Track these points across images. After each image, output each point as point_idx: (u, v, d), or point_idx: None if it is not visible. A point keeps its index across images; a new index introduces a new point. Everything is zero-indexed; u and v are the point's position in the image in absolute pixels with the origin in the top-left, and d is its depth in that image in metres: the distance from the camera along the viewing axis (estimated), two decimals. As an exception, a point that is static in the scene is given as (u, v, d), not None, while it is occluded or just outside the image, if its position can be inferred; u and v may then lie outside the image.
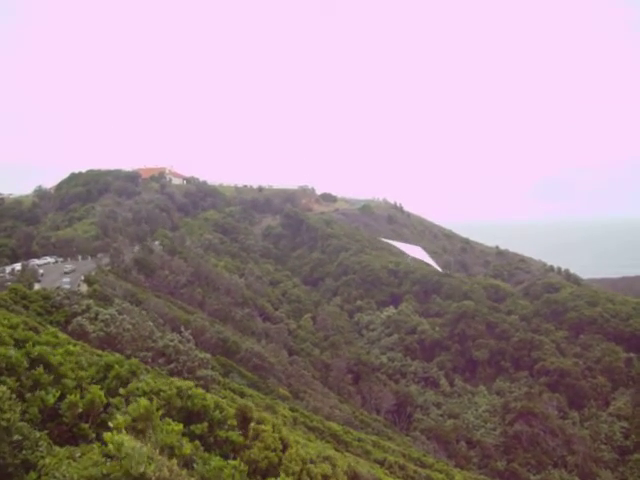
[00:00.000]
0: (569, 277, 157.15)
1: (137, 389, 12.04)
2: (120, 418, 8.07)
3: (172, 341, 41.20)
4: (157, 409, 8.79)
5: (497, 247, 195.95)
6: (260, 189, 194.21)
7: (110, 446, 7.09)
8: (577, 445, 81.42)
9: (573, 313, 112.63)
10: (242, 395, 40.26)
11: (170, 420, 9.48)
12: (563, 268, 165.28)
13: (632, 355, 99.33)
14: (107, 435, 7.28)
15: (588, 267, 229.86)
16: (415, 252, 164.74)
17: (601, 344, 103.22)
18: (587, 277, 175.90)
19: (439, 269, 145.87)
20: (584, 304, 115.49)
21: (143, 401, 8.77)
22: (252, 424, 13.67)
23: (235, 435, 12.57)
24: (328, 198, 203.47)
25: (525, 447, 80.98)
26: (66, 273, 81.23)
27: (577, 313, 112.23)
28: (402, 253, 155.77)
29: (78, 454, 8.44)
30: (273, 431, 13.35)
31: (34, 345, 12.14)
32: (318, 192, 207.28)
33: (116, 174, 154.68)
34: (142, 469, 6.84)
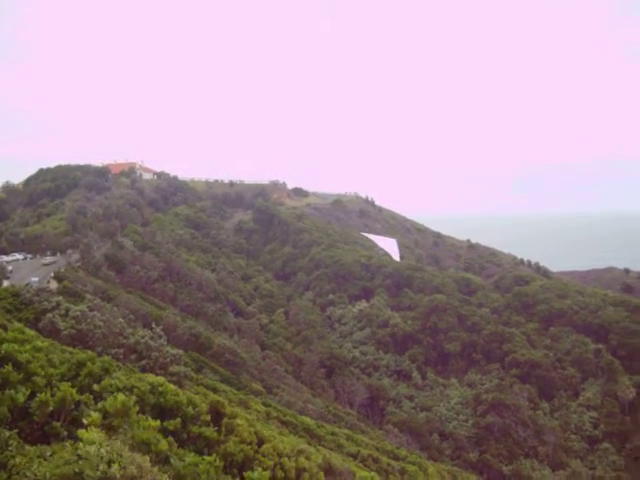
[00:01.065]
0: (539, 270, 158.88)
1: (110, 386, 11.94)
2: (94, 415, 7.98)
3: (143, 337, 40.87)
4: (133, 405, 8.72)
5: (468, 241, 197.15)
6: (231, 184, 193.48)
7: (80, 444, 7.00)
8: (548, 435, 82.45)
9: (543, 305, 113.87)
10: (215, 391, 40.08)
11: (146, 416, 9.40)
12: (533, 261, 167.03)
13: (601, 346, 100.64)
14: (82, 432, 7.19)
15: (557, 259, 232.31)
16: (389, 245, 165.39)
17: (571, 336, 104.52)
18: (557, 270, 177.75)
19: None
20: (554, 296, 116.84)
21: (120, 396, 8.69)
22: (225, 419, 13.61)
23: (209, 431, 12.51)
24: (300, 193, 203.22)
25: (497, 438, 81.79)
26: (45, 265, 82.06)
27: (547, 305, 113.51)
28: (374, 247, 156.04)
29: (49, 453, 8.32)
30: (248, 425, 13.31)
31: (1, 343, 11.96)
32: (290, 187, 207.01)
33: (85, 169, 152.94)
34: (102, 469, 6.75)
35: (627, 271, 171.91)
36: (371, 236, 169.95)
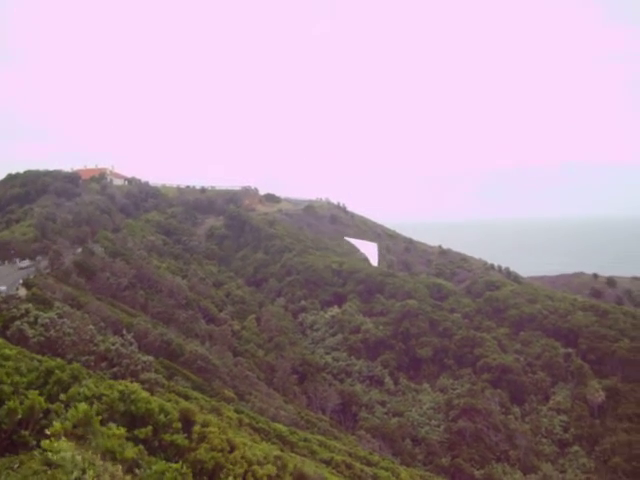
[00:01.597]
0: (509, 275, 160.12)
1: (79, 394, 11.79)
2: (57, 424, 7.87)
3: (114, 344, 40.49)
4: (98, 413, 8.61)
5: (440, 246, 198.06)
6: (203, 190, 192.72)
7: (50, 454, 6.89)
8: (519, 439, 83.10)
9: (514, 310, 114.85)
10: (187, 398, 39.80)
11: (112, 424, 9.29)
12: (503, 266, 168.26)
13: (570, 350, 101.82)
14: (45, 442, 7.09)
15: (527, 265, 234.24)
16: (370, 250, 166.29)
17: (541, 340, 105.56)
18: (527, 275, 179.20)
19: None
20: (524, 301, 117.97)
21: (82, 406, 8.57)
22: (196, 427, 13.51)
23: (180, 438, 12.40)
24: (271, 199, 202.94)
25: (469, 443, 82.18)
26: (22, 269, 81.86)
27: (517, 310, 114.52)
28: (346, 253, 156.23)
29: (17, 464, 8.19)
30: (220, 433, 13.21)
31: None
32: (262, 193, 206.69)
33: (55, 175, 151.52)
34: (75, 476, 6.67)
35: (596, 276, 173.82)
36: (355, 240, 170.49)
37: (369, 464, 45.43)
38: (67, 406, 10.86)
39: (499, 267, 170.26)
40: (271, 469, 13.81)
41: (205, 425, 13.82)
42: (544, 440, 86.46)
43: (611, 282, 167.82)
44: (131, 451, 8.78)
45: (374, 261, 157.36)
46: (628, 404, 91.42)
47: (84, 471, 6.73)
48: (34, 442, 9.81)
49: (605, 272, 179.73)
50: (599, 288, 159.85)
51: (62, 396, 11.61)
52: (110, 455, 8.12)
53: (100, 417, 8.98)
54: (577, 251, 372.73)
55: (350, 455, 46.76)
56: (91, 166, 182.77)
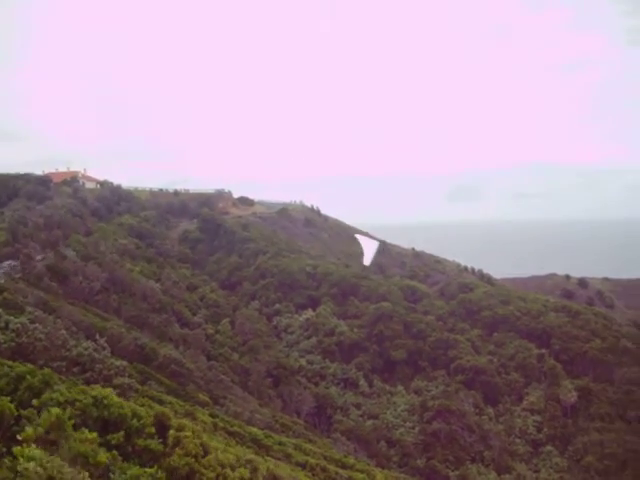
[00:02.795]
0: (482, 277, 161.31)
1: (51, 399, 11.65)
2: (29, 430, 7.77)
3: (87, 349, 40.18)
4: (70, 418, 8.51)
5: (413, 249, 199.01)
6: (176, 193, 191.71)
7: (21, 460, 6.81)
8: (493, 440, 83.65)
9: (487, 312, 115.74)
10: (161, 402, 39.56)
11: (85, 429, 9.19)
12: (477, 268, 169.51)
13: (543, 351, 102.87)
14: (17, 449, 7.00)
15: (500, 267, 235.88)
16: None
17: (514, 341, 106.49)
18: (499, 277, 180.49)
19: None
20: (497, 303, 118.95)
21: (55, 410, 8.48)
22: (171, 431, 13.42)
23: (154, 443, 12.30)
24: (245, 202, 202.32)
25: (443, 444, 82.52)
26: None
27: (491, 312, 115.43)
28: (320, 256, 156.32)
29: (-14, 472, 8.07)
30: (194, 437, 13.13)
31: None
32: (235, 196, 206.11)
33: (26, 178, 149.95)
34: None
35: (568, 277, 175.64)
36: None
37: (344, 467, 45.41)
38: (39, 412, 10.74)
39: (472, 269, 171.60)
40: (244, 472, 13.76)
41: (180, 429, 13.74)
42: (518, 440, 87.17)
43: (583, 283, 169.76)
44: (104, 456, 8.70)
45: (348, 264, 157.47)
46: (600, 404, 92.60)
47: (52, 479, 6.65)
48: (4, 449, 9.68)
49: (576, 273, 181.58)
50: (571, 289, 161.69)
51: (34, 402, 11.47)
52: (83, 460, 8.04)
53: (73, 422, 8.87)
54: (544, 253, 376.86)
55: (325, 458, 46.72)
56: (63, 169, 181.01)
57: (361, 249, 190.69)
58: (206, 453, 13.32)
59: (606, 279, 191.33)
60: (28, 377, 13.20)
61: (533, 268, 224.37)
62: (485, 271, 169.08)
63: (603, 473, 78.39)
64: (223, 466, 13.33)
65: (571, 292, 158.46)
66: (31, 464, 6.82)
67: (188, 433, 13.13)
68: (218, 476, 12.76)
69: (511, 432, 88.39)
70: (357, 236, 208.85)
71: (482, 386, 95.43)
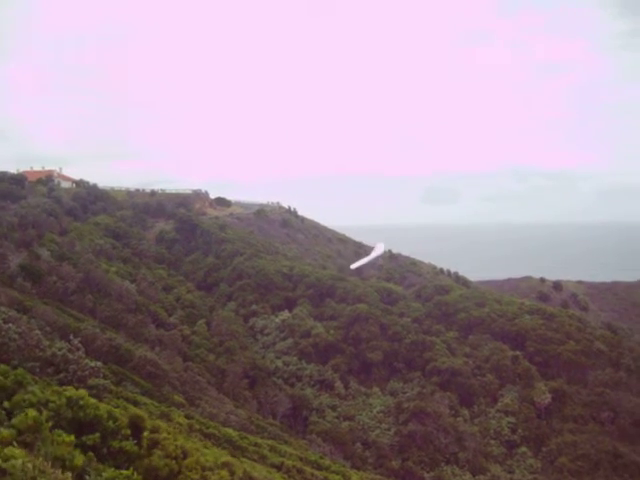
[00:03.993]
0: (458, 279, 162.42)
1: (24, 401, 11.49)
2: (5, 431, 7.65)
3: (61, 350, 39.81)
4: (46, 420, 8.40)
5: (389, 251, 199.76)
6: (152, 193, 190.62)
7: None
8: (468, 441, 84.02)
9: (462, 314, 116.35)
10: (136, 404, 39.32)
11: (61, 432, 9.07)
12: (452, 270, 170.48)
13: (518, 353, 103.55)
14: (-2, 449, 6.88)
15: (475, 269, 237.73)
16: (319, 253, 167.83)
17: (489, 343, 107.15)
18: (475, 279, 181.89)
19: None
20: (473, 305, 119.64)
21: (31, 412, 8.36)
22: (146, 433, 13.31)
23: (129, 445, 12.19)
24: (222, 202, 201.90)
25: (419, 445, 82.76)
26: None
27: (466, 314, 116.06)
28: (297, 257, 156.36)
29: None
30: (172, 439, 13.04)
31: None
32: (212, 197, 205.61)
33: (0, 176, 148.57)
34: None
35: (542, 280, 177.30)
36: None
37: (320, 468, 45.42)
38: (9, 414, 10.58)
39: (448, 271, 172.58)
40: (224, 474, 13.69)
41: (154, 431, 13.63)
42: (492, 442, 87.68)
43: (557, 286, 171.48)
44: (80, 458, 8.57)
45: (325, 265, 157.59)
46: (573, 405, 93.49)
47: (34, 479, 6.56)
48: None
49: (550, 276, 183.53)
50: (546, 292, 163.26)
51: (6, 403, 11.31)
52: (59, 463, 7.93)
53: (49, 423, 8.75)
54: (518, 256, 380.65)
55: (301, 459, 46.71)
56: (38, 168, 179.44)
57: (337, 250, 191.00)
58: (185, 455, 13.22)
59: (580, 282, 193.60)
60: (1, 378, 13.03)
61: (507, 271, 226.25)
62: (460, 273, 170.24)
63: (576, 474, 79.11)
64: (204, 468, 13.26)
65: (546, 295, 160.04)
66: (18, 461, 6.72)
67: (165, 435, 13.03)
68: (200, 478, 12.68)
69: (486, 433, 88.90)
70: (333, 237, 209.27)
71: (457, 388, 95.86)
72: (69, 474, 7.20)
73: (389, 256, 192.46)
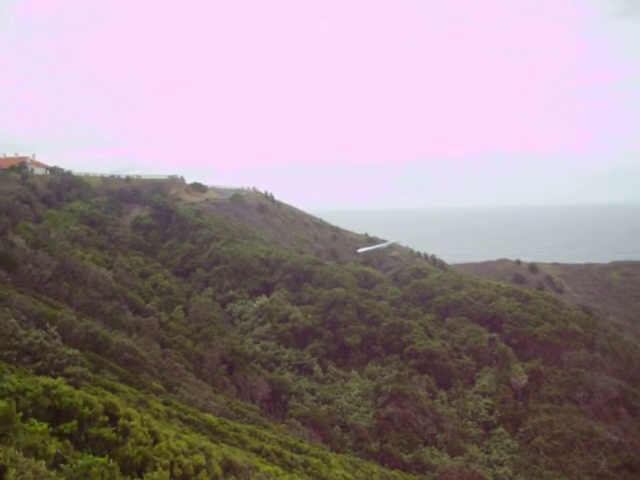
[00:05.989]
0: (435, 262, 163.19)
1: (1, 389, 11.46)
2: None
3: (37, 338, 39.55)
4: (21, 409, 8.39)
5: (366, 235, 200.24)
6: (128, 179, 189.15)
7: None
8: (446, 423, 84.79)
9: (440, 297, 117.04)
10: (114, 391, 39.23)
11: (34, 420, 9.06)
12: (429, 254, 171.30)
13: (495, 335, 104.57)
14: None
15: (452, 252, 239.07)
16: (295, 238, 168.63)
17: (466, 326, 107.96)
18: (452, 262, 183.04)
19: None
20: (450, 288, 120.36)
21: (1, 403, 8.33)
22: (121, 420, 13.32)
23: (107, 432, 12.20)
24: (198, 188, 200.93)
25: (397, 428, 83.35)
26: None
27: (443, 297, 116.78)
28: (274, 242, 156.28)
29: None
30: (142, 425, 13.04)
31: None
32: (188, 182, 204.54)
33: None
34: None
35: (519, 262, 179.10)
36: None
37: (299, 452, 45.64)
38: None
39: (425, 255, 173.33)
40: (198, 458, 13.73)
41: (128, 418, 13.64)
42: (470, 423, 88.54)
43: (533, 268, 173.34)
44: (54, 447, 8.58)
45: (302, 250, 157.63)
46: (549, 386, 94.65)
47: (5, 469, 6.56)
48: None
49: (527, 259, 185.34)
50: (522, 274, 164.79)
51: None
52: (33, 452, 7.93)
53: (22, 413, 8.73)
54: (493, 238, 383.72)
55: (280, 443, 46.87)
56: (11, 154, 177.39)
57: (314, 235, 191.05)
58: (156, 441, 13.24)
59: (555, 264, 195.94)
60: (-23, 367, 12.97)
61: (484, 253, 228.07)
62: (437, 257, 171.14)
63: (552, 453, 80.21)
64: (176, 453, 13.28)
65: (522, 277, 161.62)
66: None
67: (135, 422, 13.03)
68: (172, 463, 12.71)
69: (463, 415, 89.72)
70: (310, 222, 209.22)
71: (435, 370, 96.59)
72: (42, 462, 7.19)
73: (366, 240, 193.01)
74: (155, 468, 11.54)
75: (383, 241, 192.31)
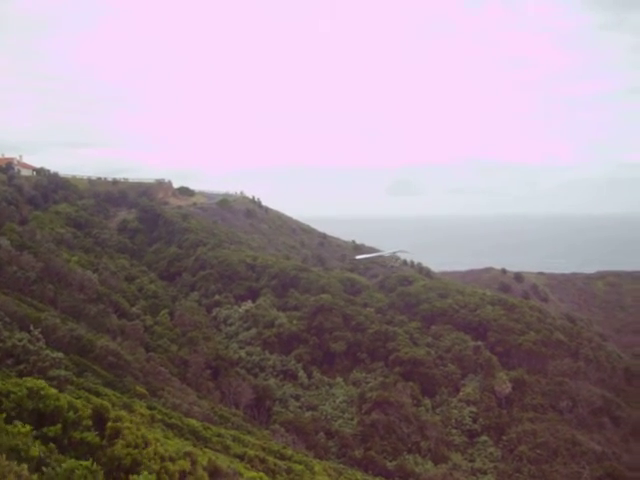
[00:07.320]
0: (421, 270, 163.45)
1: (-17, 391, 11.34)
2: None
3: (21, 341, 39.33)
4: (5, 411, 8.30)
5: (353, 241, 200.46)
6: (115, 182, 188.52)
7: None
8: (430, 430, 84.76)
9: (425, 305, 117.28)
10: (98, 394, 38.99)
11: (18, 422, 8.96)
12: (416, 262, 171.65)
13: (479, 343, 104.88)
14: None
15: (438, 260, 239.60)
16: (282, 243, 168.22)
17: (451, 334, 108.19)
18: (438, 270, 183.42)
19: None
20: (435, 296, 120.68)
21: (-16, 406, 8.24)
22: (110, 423, 13.22)
23: (91, 436, 12.09)
24: (185, 192, 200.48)
25: (381, 435, 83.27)
26: None
27: (429, 305, 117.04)
28: (261, 247, 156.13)
29: None
30: (134, 428, 12.96)
31: None
32: (175, 185, 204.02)
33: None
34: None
35: (504, 271, 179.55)
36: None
37: (283, 458, 45.50)
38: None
39: (411, 262, 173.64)
40: (184, 464, 13.64)
41: (117, 421, 13.54)
42: (454, 431, 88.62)
43: (518, 277, 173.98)
44: (36, 449, 8.48)
45: (288, 255, 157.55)
46: (533, 395, 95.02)
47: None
48: None
49: (513, 268, 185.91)
50: (507, 283, 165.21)
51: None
52: (15, 454, 7.84)
53: (5, 415, 8.64)
54: (480, 247, 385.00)
55: (264, 449, 46.73)
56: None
57: (301, 241, 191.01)
58: (146, 444, 13.15)
59: (541, 273, 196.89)
60: (-40, 369, 12.85)
61: (470, 262, 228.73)
62: (424, 264, 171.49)
63: (535, 462, 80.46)
64: (163, 459, 13.19)
65: (507, 286, 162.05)
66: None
67: (127, 424, 12.94)
68: (160, 469, 12.62)
69: (447, 423, 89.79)
70: (298, 228, 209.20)
71: (420, 378, 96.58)
72: (25, 465, 7.10)
73: (353, 247, 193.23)
74: (140, 473, 11.45)
75: (371, 249, 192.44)
